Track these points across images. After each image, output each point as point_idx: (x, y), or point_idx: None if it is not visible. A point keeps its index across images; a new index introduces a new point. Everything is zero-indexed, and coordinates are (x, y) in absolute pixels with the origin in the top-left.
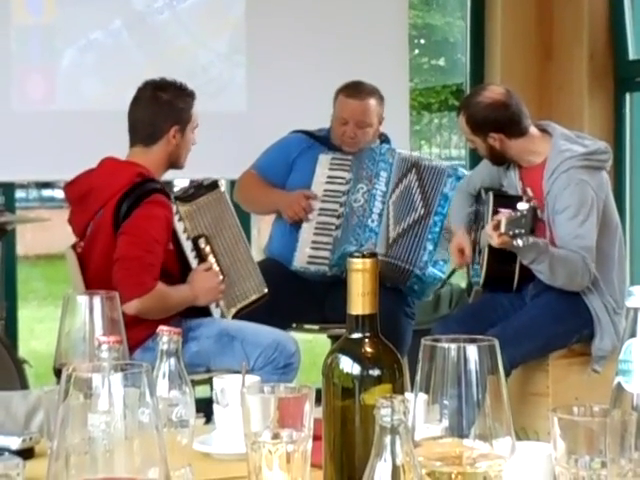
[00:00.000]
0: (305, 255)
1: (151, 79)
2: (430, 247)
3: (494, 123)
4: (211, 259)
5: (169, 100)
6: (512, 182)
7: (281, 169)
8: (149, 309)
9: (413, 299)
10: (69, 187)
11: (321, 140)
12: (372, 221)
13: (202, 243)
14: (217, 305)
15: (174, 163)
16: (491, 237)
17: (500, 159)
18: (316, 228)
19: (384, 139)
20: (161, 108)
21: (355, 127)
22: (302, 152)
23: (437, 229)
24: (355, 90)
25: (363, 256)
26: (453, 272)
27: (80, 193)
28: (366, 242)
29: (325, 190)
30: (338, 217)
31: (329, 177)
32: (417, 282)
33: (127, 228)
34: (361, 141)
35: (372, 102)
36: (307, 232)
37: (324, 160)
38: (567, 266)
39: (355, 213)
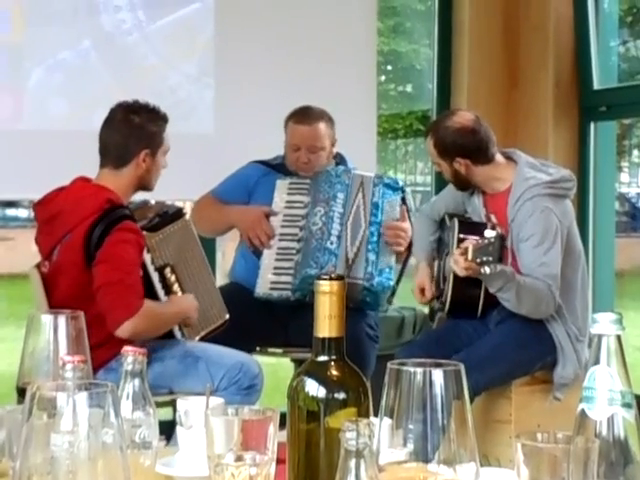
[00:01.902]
0: (267, 281)
1: (124, 101)
2: (372, 257)
3: (461, 148)
4: (176, 288)
5: (141, 123)
6: (476, 208)
7: (239, 195)
8: (143, 329)
9: (376, 315)
10: (39, 206)
11: (277, 168)
12: (331, 243)
13: (168, 273)
14: (182, 335)
15: (144, 186)
16: (457, 264)
17: (465, 184)
18: (277, 254)
19: (339, 160)
20: (132, 131)
21: (308, 152)
22: (259, 180)
23: (375, 238)
24: (304, 116)
25: (330, 278)
26: (402, 271)
27: (48, 215)
28: (326, 265)
29: (285, 215)
30: (298, 241)
31: (288, 202)
32: (368, 294)
33: (102, 257)
34: (315, 165)
35: (322, 126)
36: (268, 258)
37: (282, 185)
38: (533, 294)
39: (314, 236)
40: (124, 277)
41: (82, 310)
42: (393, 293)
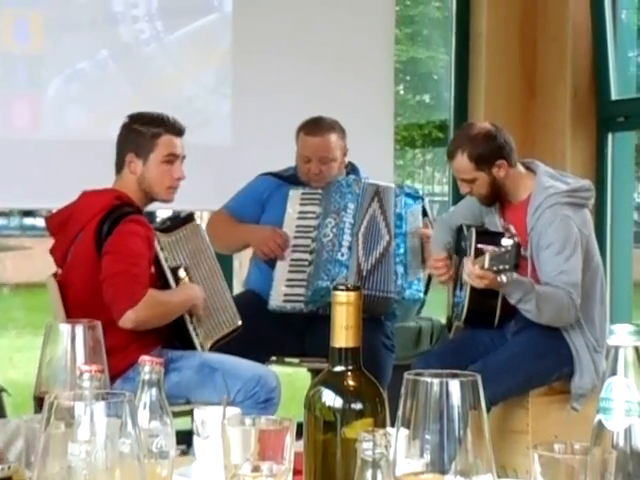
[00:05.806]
0: (281, 294)
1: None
2: (401, 270)
3: (498, 150)
4: None
5: (132, 129)
6: (493, 220)
7: (253, 208)
8: (146, 317)
9: (393, 325)
10: (50, 219)
11: (289, 179)
12: (342, 255)
13: (181, 273)
14: (197, 335)
15: (150, 195)
16: (472, 276)
17: (496, 195)
18: (290, 265)
19: (351, 169)
20: (122, 136)
21: (319, 163)
22: (272, 192)
23: (402, 250)
24: (315, 127)
25: (347, 289)
26: (429, 282)
27: (60, 221)
28: (337, 277)
29: (297, 226)
30: (310, 253)
31: (300, 212)
32: (398, 307)
33: (109, 247)
34: (327, 176)
35: (333, 137)
36: (281, 270)
37: (294, 195)
38: (553, 303)
39: (325, 248)
40: (128, 268)
41: (96, 303)
42: (422, 305)
